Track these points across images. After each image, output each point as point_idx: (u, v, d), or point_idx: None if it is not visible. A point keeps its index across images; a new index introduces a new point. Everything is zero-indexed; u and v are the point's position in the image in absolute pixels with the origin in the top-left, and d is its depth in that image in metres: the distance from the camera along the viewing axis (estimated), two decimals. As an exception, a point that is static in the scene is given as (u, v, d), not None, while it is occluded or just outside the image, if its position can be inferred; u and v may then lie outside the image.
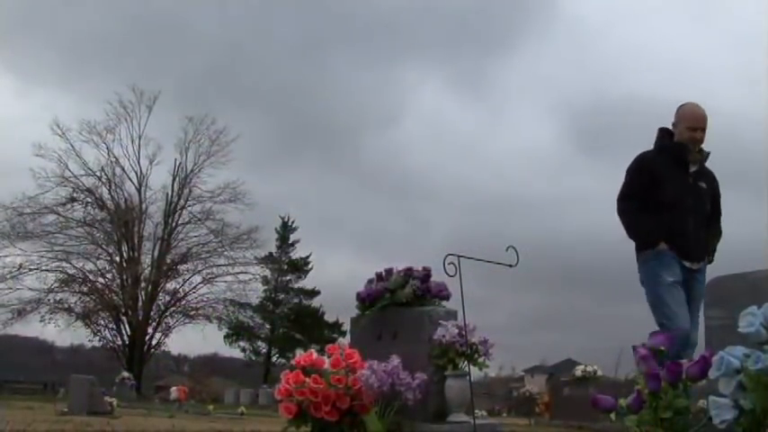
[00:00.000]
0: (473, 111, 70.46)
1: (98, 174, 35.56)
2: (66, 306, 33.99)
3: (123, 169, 36.44)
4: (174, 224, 37.13)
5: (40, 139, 33.65)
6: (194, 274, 36.94)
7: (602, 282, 51.92)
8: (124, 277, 35.31)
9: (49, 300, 33.40)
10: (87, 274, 34.94)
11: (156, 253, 36.50)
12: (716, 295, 2.24)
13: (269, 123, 58.54)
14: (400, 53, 67.15)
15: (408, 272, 4.63)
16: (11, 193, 33.05)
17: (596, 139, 65.03)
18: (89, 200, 35.38)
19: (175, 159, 37.41)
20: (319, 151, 60.05)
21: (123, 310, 35.28)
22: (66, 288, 34.16)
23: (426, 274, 4.62)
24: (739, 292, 2.12)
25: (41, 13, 55.25)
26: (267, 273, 43.26)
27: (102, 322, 35.81)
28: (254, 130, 55.47)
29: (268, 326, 45.25)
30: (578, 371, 17.04)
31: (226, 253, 36.59)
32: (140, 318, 35.34)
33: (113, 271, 35.65)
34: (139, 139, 36.52)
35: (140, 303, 35.52)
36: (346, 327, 5.89)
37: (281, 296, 46.75)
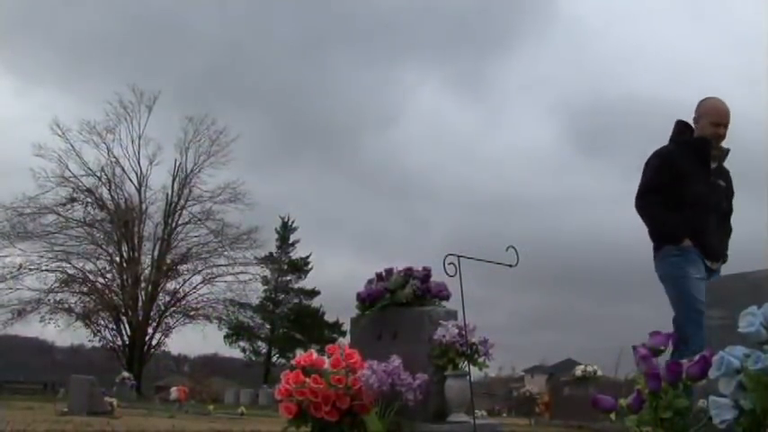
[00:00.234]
0: (472, 111, 70.57)
1: (98, 174, 35.63)
2: (66, 306, 34.03)
3: (123, 169, 36.52)
4: (174, 224, 37.17)
5: (39, 140, 33.76)
6: (194, 275, 37.04)
7: (602, 282, 52.00)
8: (124, 277, 35.32)
9: (49, 300, 33.46)
10: (87, 274, 35.01)
11: (156, 253, 36.54)
12: (716, 295, 2.24)
13: (268, 123, 58.63)
14: (399, 53, 67.24)
15: (408, 272, 4.63)
16: (11, 194, 33.14)
17: (595, 139, 65.15)
18: (89, 200, 35.42)
19: (175, 159, 37.49)
20: (319, 151, 60.13)
21: (123, 311, 35.30)
22: (66, 288, 34.20)
23: (426, 274, 4.61)
24: (739, 292, 2.12)
25: (41, 14, 55.31)
26: (267, 273, 43.31)
27: (102, 322, 35.88)
28: (254, 131, 55.54)
29: (268, 326, 45.27)
30: (578, 371, 17.05)
31: (226, 253, 36.68)
32: (140, 318, 35.35)
33: (113, 271, 35.69)
34: (139, 139, 36.60)
35: (140, 303, 35.54)
36: (346, 327, 5.89)
37: (281, 296, 46.77)
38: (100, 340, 36.09)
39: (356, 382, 3.99)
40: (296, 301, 47.15)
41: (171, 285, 37.09)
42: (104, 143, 35.65)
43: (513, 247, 3.79)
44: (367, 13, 64.90)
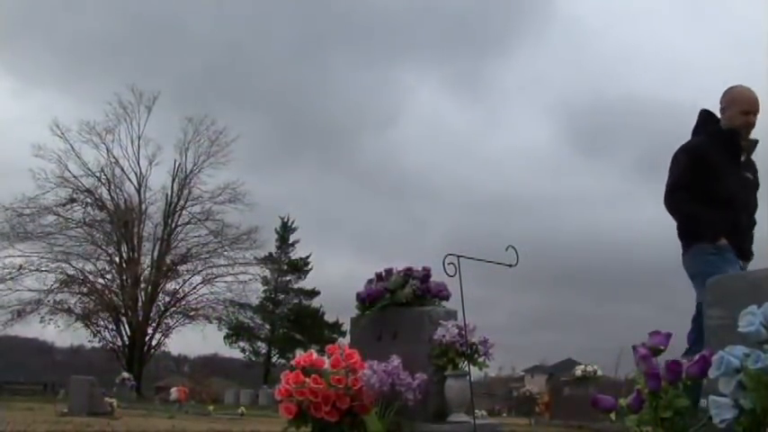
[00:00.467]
0: (471, 111, 70.55)
1: (98, 174, 35.64)
2: (65, 307, 34.02)
3: (123, 170, 36.52)
4: (173, 225, 37.18)
5: (38, 140, 33.75)
6: (194, 275, 37.05)
7: (602, 281, 52.07)
8: (124, 278, 35.32)
9: (48, 300, 33.46)
10: (87, 274, 35.00)
11: (155, 253, 36.56)
12: (716, 295, 2.24)
13: (268, 124, 58.62)
14: (398, 54, 67.20)
15: (408, 272, 4.63)
16: (10, 194, 33.12)
17: (594, 139, 65.18)
18: (89, 200, 35.42)
19: (175, 160, 37.49)
20: (318, 151, 60.12)
21: (123, 311, 35.30)
22: (65, 289, 34.19)
23: (426, 274, 4.61)
24: (739, 291, 2.11)
25: (40, 15, 55.28)
26: (267, 273, 43.32)
27: (102, 323, 35.88)
28: (254, 131, 55.55)
29: (268, 326, 45.27)
30: (578, 371, 17.07)
31: (225, 253, 36.70)
32: (140, 318, 35.35)
33: (113, 271, 35.69)
34: (139, 139, 36.61)
35: (140, 304, 35.54)
36: (346, 327, 5.90)
37: (281, 296, 46.76)
38: (100, 341, 36.14)
39: (356, 383, 3.99)
40: (296, 301, 47.15)
41: (171, 286, 37.16)
42: (104, 144, 35.71)
43: (513, 247, 3.79)
44: (366, 13, 64.97)
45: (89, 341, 36.85)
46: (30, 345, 51.57)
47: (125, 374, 26.54)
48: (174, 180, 37.34)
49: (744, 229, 4.12)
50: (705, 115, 4.31)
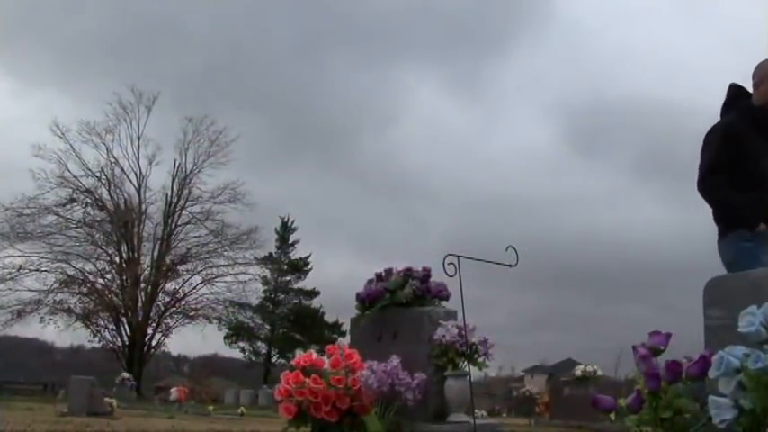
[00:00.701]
0: (470, 111, 70.56)
1: (98, 174, 35.66)
2: (65, 307, 34.02)
3: (123, 170, 36.54)
4: (173, 225, 37.19)
5: (38, 141, 33.77)
6: (194, 275, 37.06)
7: (602, 281, 52.09)
8: (124, 278, 35.32)
9: (48, 300, 33.46)
10: (87, 274, 35.00)
11: (155, 253, 36.57)
12: (716, 295, 2.24)
13: (267, 124, 58.63)
14: (397, 54, 67.23)
15: (408, 272, 4.62)
16: (10, 194, 33.12)
17: (593, 139, 65.20)
18: (89, 200, 35.43)
19: (175, 160, 37.51)
20: (318, 152, 60.13)
21: (123, 311, 35.30)
22: (65, 289, 34.19)
23: (426, 274, 4.61)
24: (739, 291, 2.11)
25: (39, 16, 55.29)
26: (267, 273, 43.36)
27: (102, 323, 35.89)
28: (253, 131, 55.57)
29: (268, 326, 45.28)
30: (578, 371, 17.09)
31: (225, 253, 36.72)
32: (140, 318, 35.35)
33: (113, 272, 35.70)
34: (139, 139, 36.63)
35: (140, 304, 35.54)
36: (346, 327, 5.89)
37: (281, 296, 46.77)
38: (100, 341, 36.14)
39: (356, 383, 3.99)
40: (295, 301, 47.16)
41: (171, 286, 37.16)
42: (104, 144, 35.73)
43: (513, 247, 3.79)
44: (365, 14, 65.00)
45: (89, 341, 36.91)
46: (30, 345, 51.57)
47: (125, 374, 26.55)
48: (173, 180, 37.41)
49: None
50: (735, 90, 4.03)
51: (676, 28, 78.69)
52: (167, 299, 36.87)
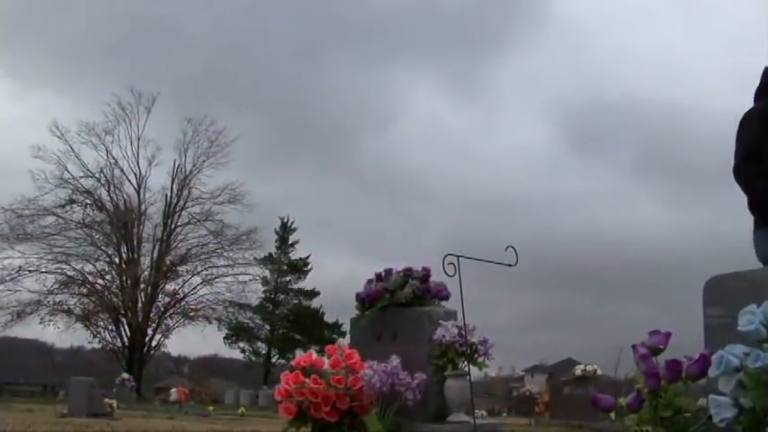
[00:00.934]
0: (468, 112, 70.46)
1: (97, 175, 35.68)
2: (65, 308, 34.04)
3: (122, 170, 36.56)
4: (173, 225, 37.19)
5: (37, 142, 33.80)
6: (194, 276, 37.07)
7: (601, 281, 52.09)
8: (123, 279, 35.32)
9: (48, 301, 33.49)
10: (87, 275, 35.01)
11: (155, 254, 36.57)
12: (715, 293, 2.24)
13: (266, 124, 58.61)
14: (396, 55, 67.22)
15: (408, 272, 4.62)
16: (10, 195, 33.14)
17: (591, 139, 65.13)
18: (88, 201, 35.45)
19: (174, 160, 37.52)
20: (317, 152, 60.15)
21: (123, 312, 35.30)
22: (65, 290, 34.19)
23: (426, 274, 4.61)
24: (739, 290, 2.11)
25: (37, 17, 55.28)
26: (266, 273, 43.40)
27: (102, 324, 35.88)
28: (252, 132, 55.56)
29: (268, 327, 45.28)
30: (578, 370, 17.10)
31: (225, 254, 36.73)
32: (140, 319, 35.35)
33: (113, 272, 35.70)
34: (138, 140, 36.65)
35: (140, 305, 35.54)
36: (346, 327, 5.90)
37: (281, 297, 46.78)
38: (99, 342, 36.15)
39: (356, 383, 3.99)
40: (295, 301, 47.18)
41: (170, 286, 37.17)
42: (103, 144, 35.76)
43: (513, 247, 3.79)
44: (363, 14, 64.98)
45: (89, 342, 36.93)
46: (29, 346, 51.52)
47: (125, 375, 26.57)
48: (173, 181, 37.41)
49: None
50: None
51: (675, 28, 78.64)
52: (167, 299, 36.91)
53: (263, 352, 46.32)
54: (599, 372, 16.71)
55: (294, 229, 47.27)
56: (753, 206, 3.74)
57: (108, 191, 36.11)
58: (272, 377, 40.29)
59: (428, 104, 66.75)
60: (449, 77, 69.32)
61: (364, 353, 4.19)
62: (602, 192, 61.58)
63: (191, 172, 37.28)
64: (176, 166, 37.39)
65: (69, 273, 34.43)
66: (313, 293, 46.77)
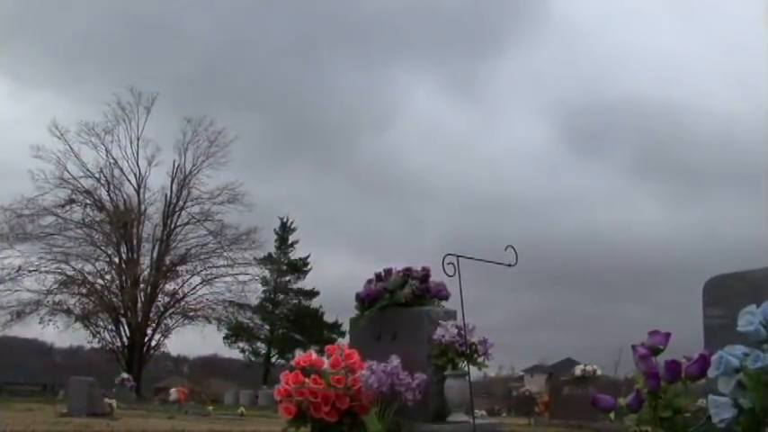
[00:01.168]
0: (467, 112, 70.39)
1: (97, 175, 35.68)
2: (65, 307, 34.02)
3: (122, 170, 36.56)
4: (172, 225, 37.18)
5: (37, 142, 33.76)
6: (193, 275, 37.06)
7: (600, 281, 52.07)
8: (123, 278, 35.31)
9: (48, 301, 33.47)
10: (86, 275, 34.97)
11: (155, 254, 36.56)
12: (715, 294, 2.24)
13: (266, 125, 58.59)
14: (394, 55, 67.17)
15: (407, 272, 4.63)
16: (9, 195, 33.13)
17: (590, 138, 65.09)
18: (88, 201, 35.44)
19: (174, 160, 37.51)
20: (316, 152, 60.11)
21: (122, 312, 35.29)
22: (65, 290, 34.17)
23: (425, 274, 4.61)
24: (738, 291, 2.11)
25: (36, 17, 55.22)
26: (266, 273, 43.40)
27: (102, 324, 35.88)
28: (252, 132, 55.50)
29: (267, 327, 45.30)
30: (578, 370, 17.10)
31: (225, 254, 36.71)
32: (140, 319, 35.34)
33: (112, 272, 35.68)
34: (138, 140, 36.64)
35: (139, 305, 35.53)
36: (345, 327, 5.91)
37: (281, 297, 46.80)
38: (99, 341, 36.14)
39: (356, 383, 3.99)
40: (295, 301, 47.20)
41: (170, 286, 37.15)
42: (103, 144, 35.75)
43: (512, 247, 3.79)
44: (362, 14, 64.93)
45: (88, 342, 36.92)
46: (29, 345, 51.51)
47: (124, 375, 26.55)
48: (173, 181, 37.40)
49: None
50: None
51: (673, 28, 78.57)
52: (167, 299, 36.89)
53: (263, 352, 46.34)
54: (599, 372, 16.71)
55: (294, 229, 47.32)
56: None
57: (108, 191, 36.16)
58: (271, 377, 40.28)
59: (427, 104, 66.74)
60: (448, 77, 69.30)
61: (364, 353, 4.19)
62: (601, 191, 61.51)
63: (190, 172, 37.33)
64: (176, 165, 37.43)
65: (69, 272, 34.45)
66: (313, 293, 46.80)
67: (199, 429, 10.36)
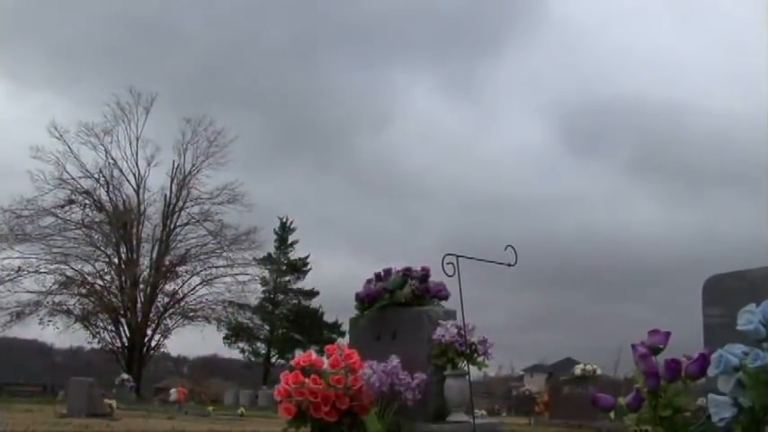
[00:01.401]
0: (466, 112, 70.37)
1: (96, 176, 35.67)
2: (65, 308, 34.01)
3: (121, 171, 36.55)
4: (172, 225, 37.17)
5: (36, 142, 33.74)
6: (193, 276, 37.04)
7: (600, 281, 52.09)
8: (123, 279, 35.30)
9: (47, 302, 33.45)
10: (86, 276, 34.96)
11: (154, 254, 36.56)
12: (714, 293, 2.24)
13: (265, 125, 58.59)
14: (393, 55, 67.19)
15: (407, 272, 4.63)
16: (9, 196, 33.12)
17: (589, 138, 65.10)
18: (87, 202, 35.43)
19: (173, 161, 37.51)
20: (315, 152, 60.10)
21: (122, 312, 35.28)
22: (64, 290, 34.15)
23: (425, 274, 4.61)
24: (738, 290, 2.12)
25: (35, 18, 55.17)
26: (266, 274, 43.33)
27: (101, 324, 35.86)
28: (251, 132, 55.49)
29: (267, 327, 45.30)
30: (578, 370, 17.10)
31: (224, 254, 36.70)
32: (139, 319, 35.33)
33: (112, 273, 35.66)
34: (137, 140, 36.62)
35: (139, 305, 35.52)
36: (345, 327, 5.91)
37: (280, 297, 46.81)
38: (99, 342, 36.12)
39: (356, 383, 3.99)
40: (295, 301, 47.22)
41: (170, 287, 37.13)
42: (102, 145, 35.72)
43: (512, 247, 3.79)
44: (361, 15, 64.90)
45: (88, 342, 36.90)
46: (29, 346, 51.49)
47: (124, 376, 26.56)
48: (172, 181, 37.39)
49: None
50: None
51: (673, 28, 78.56)
52: (166, 300, 36.87)
53: (263, 352, 46.36)
54: (598, 371, 16.71)
55: (293, 229, 47.34)
56: None
57: (107, 191, 36.14)
58: (271, 377, 40.29)
59: (426, 104, 66.72)
60: (447, 77, 69.27)
61: (364, 353, 4.19)
62: (600, 191, 61.54)
63: (190, 172, 37.32)
64: (175, 166, 37.42)
65: (68, 273, 34.43)
66: (312, 293, 46.81)
67: (199, 430, 10.36)
